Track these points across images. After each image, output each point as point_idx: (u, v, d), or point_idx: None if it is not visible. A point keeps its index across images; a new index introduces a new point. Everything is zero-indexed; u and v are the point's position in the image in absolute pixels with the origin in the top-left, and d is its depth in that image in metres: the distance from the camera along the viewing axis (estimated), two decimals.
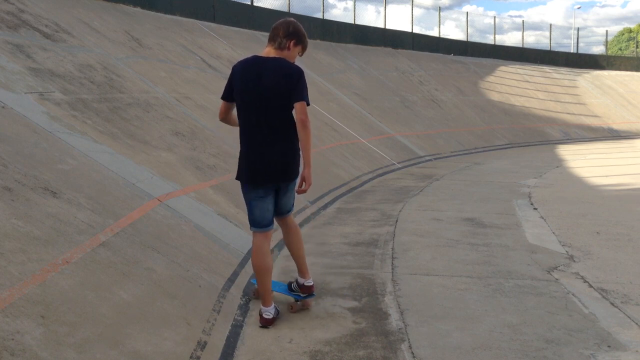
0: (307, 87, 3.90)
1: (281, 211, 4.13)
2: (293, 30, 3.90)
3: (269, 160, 3.90)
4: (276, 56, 3.91)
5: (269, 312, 4.00)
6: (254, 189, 3.97)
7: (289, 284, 4.42)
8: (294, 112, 3.91)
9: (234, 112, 4.08)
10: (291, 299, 4.36)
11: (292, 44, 3.91)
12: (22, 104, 5.44)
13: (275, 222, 4.19)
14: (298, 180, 4.00)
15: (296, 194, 4.09)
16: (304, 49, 4.01)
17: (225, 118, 4.17)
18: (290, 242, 4.26)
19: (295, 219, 7.02)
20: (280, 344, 3.71)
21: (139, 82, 8.29)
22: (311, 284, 4.29)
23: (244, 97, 3.91)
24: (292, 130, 3.90)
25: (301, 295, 4.30)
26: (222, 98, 4.08)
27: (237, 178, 4.06)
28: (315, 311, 4.28)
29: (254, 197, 3.98)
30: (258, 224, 4.01)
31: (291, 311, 4.23)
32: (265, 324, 3.96)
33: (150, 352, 3.12)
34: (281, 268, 5.30)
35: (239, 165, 4.02)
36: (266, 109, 3.85)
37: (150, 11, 13.10)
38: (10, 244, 3.25)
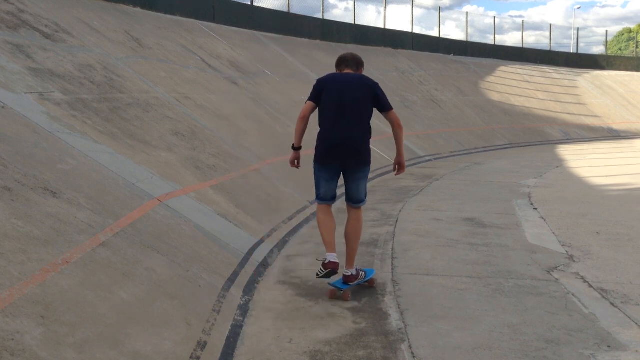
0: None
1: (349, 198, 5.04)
2: (360, 61, 5.12)
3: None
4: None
5: (333, 257, 4.59)
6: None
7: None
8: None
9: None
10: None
11: (361, 70, 5.12)
12: (22, 104, 5.44)
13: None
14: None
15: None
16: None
17: (307, 117, 4.85)
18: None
19: (295, 218, 7.10)
20: (280, 344, 3.71)
21: (139, 82, 8.29)
22: (347, 273, 4.65)
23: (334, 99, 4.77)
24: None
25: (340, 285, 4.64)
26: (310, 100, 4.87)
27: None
28: (315, 311, 4.29)
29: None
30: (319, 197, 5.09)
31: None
32: (333, 267, 4.52)
33: (150, 352, 3.12)
34: (281, 268, 5.30)
35: None
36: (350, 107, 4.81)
37: (150, 11, 13.09)
38: (10, 244, 3.25)
